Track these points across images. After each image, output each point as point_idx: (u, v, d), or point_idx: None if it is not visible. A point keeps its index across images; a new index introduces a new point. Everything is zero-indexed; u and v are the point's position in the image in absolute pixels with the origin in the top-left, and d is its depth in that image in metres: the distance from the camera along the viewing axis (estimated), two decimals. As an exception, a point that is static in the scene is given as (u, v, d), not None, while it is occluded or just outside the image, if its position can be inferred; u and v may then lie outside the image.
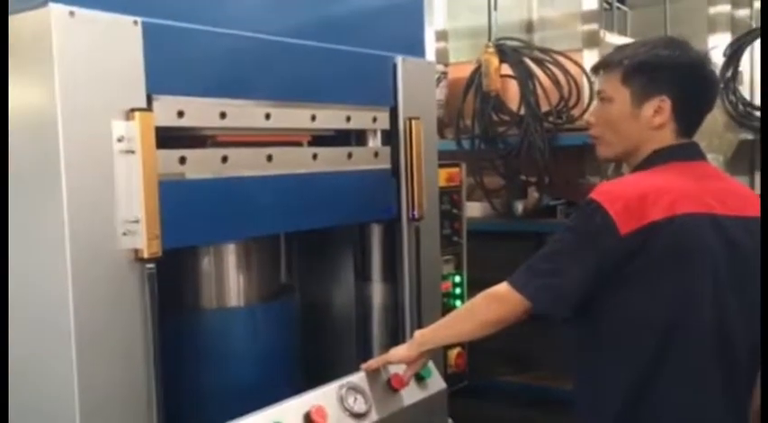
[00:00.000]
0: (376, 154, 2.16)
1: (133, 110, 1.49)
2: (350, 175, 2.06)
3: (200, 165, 1.69)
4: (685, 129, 1.77)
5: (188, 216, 1.64)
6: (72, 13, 1.42)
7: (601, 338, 1.71)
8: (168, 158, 1.61)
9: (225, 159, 1.74)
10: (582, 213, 1.67)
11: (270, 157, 1.84)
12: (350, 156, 2.08)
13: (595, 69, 1.91)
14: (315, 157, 1.97)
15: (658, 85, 1.72)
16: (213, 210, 1.71)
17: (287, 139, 1.96)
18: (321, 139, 2.05)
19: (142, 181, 1.49)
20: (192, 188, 1.66)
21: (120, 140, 1.48)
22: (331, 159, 2.02)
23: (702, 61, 1.76)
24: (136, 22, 1.52)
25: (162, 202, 1.52)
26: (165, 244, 1.53)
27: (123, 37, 1.50)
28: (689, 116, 1.77)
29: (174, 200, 1.58)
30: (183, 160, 1.64)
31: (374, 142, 2.19)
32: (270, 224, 1.90)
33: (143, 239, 1.49)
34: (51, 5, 1.40)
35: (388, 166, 2.19)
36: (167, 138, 1.61)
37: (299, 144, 1.99)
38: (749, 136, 3.31)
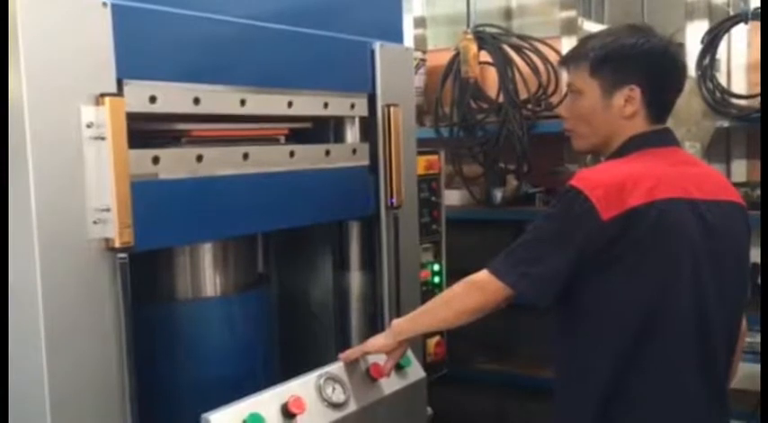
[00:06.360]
0: (354, 151, 2.14)
1: (103, 95, 1.45)
2: (327, 173, 2.04)
3: (175, 164, 1.65)
4: (657, 115, 1.77)
5: (162, 217, 1.61)
6: (38, -6, 1.37)
7: (582, 325, 1.71)
8: (141, 158, 1.57)
9: (200, 158, 1.70)
10: (562, 200, 1.66)
11: (246, 156, 1.81)
12: (328, 153, 2.05)
13: (562, 63, 1.91)
14: (292, 154, 1.94)
15: (626, 74, 1.72)
16: (188, 210, 1.68)
17: (263, 132, 1.93)
18: (298, 134, 2.03)
19: (113, 168, 1.45)
20: (166, 189, 1.63)
21: (89, 126, 1.44)
22: (308, 157, 1.99)
23: (666, 46, 1.76)
24: (105, 4, 1.47)
25: (135, 203, 1.49)
26: (139, 245, 1.50)
27: (91, 19, 1.46)
28: (659, 102, 1.77)
29: (148, 201, 1.54)
30: (156, 160, 1.61)
31: (352, 133, 2.16)
32: (246, 224, 1.87)
33: (114, 228, 1.46)
34: (17, -14, 1.35)
35: (366, 162, 2.17)
36: (140, 135, 1.57)
37: (275, 139, 1.97)
38: (726, 123, 3.33)
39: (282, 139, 2.00)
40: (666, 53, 1.75)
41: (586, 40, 1.84)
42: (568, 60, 1.84)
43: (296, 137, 2.03)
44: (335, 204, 2.09)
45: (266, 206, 1.88)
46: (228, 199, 1.77)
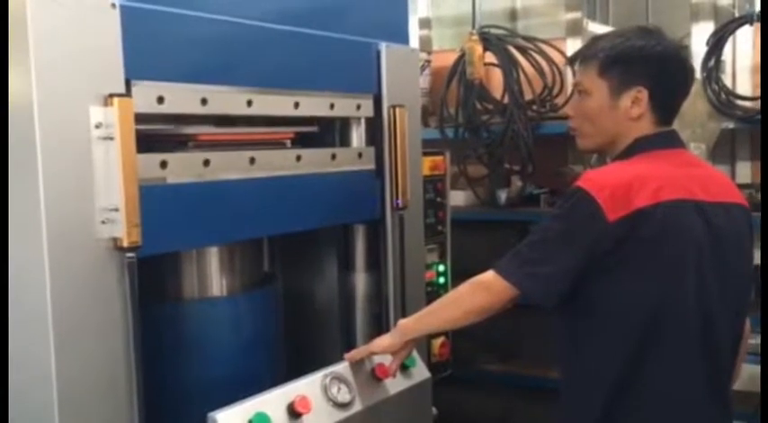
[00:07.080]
0: (360, 155, 2.15)
1: (111, 95, 1.45)
2: (334, 177, 2.04)
3: (182, 168, 1.65)
4: (663, 117, 1.78)
5: (170, 221, 1.61)
6: (48, -4, 1.38)
7: (588, 326, 1.71)
8: (149, 163, 1.57)
9: (207, 163, 1.71)
10: (569, 201, 1.66)
11: (252, 160, 1.81)
12: (334, 157, 2.06)
13: (571, 61, 1.91)
14: (298, 158, 1.95)
15: (635, 76, 1.73)
16: (196, 214, 1.68)
17: (270, 136, 1.93)
18: (304, 138, 2.03)
19: (121, 168, 1.46)
20: (174, 193, 1.63)
21: (98, 127, 1.44)
22: (315, 161, 1.99)
23: (676, 50, 1.77)
24: (114, 5, 1.48)
25: (143, 207, 1.49)
26: (146, 250, 1.51)
27: (101, 20, 1.46)
28: (666, 105, 1.77)
29: (156, 205, 1.55)
30: (164, 164, 1.61)
31: (358, 135, 2.17)
32: (253, 228, 1.87)
33: (122, 228, 1.46)
34: (27, -13, 1.36)
35: (372, 166, 2.17)
36: (147, 139, 1.58)
37: (282, 143, 1.97)
38: (731, 125, 3.33)
39: (289, 143, 2.00)
40: (676, 57, 1.75)
41: (596, 40, 1.84)
42: (577, 60, 1.84)
43: (302, 141, 2.04)
44: (341, 208, 2.10)
45: (273, 210, 1.88)
46: (235, 203, 1.78)
